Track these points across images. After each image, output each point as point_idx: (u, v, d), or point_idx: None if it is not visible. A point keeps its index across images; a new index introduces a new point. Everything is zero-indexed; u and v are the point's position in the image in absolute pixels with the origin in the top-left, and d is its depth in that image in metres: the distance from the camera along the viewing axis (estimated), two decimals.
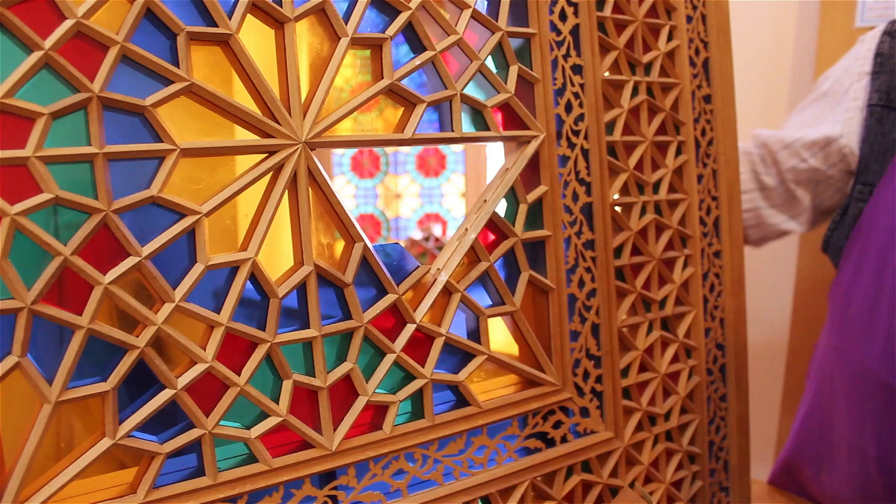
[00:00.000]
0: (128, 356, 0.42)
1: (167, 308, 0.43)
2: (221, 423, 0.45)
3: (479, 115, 0.55)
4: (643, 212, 0.66)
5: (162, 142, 0.42)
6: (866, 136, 0.89)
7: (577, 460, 0.61)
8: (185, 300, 0.43)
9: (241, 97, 0.46)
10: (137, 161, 0.42)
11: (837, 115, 0.92)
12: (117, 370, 0.41)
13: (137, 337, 0.42)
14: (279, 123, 0.46)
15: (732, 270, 0.73)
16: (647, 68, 0.66)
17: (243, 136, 0.46)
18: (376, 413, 0.52)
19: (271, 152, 0.46)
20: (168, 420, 0.44)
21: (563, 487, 0.60)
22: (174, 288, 0.43)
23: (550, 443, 0.60)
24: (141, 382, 0.43)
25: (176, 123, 0.43)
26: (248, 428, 0.46)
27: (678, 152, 0.69)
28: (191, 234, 0.44)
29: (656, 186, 0.67)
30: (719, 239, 0.72)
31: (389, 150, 2.52)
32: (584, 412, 0.62)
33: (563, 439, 0.60)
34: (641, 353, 0.65)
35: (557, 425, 0.60)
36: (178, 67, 0.42)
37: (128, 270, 0.41)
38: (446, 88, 0.53)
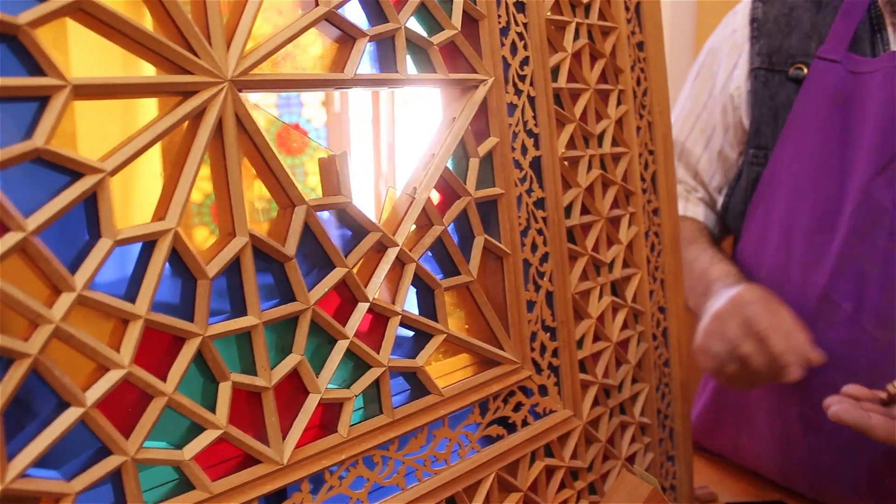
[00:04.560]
0: (15, 368, 0.31)
1: (66, 299, 0.32)
2: (145, 444, 0.35)
3: (423, 54, 0.47)
4: (589, 166, 0.60)
5: (46, 75, 0.31)
6: (754, 102, 0.89)
7: (539, 444, 0.54)
8: (89, 287, 0.33)
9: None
10: (13, 103, 0.31)
11: (717, 101, 0.93)
12: (2, 389, 0.30)
13: (27, 341, 0.31)
14: (198, 56, 0.36)
15: (670, 228, 0.69)
16: (587, 10, 0.60)
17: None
18: (325, 412, 0.44)
19: (190, 92, 0.36)
20: (73, 447, 0.34)
21: (527, 476, 0.53)
22: (73, 272, 0.32)
23: (511, 428, 0.53)
24: (36, 402, 0.32)
25: (65, 55, 0.32)
26: (180, 447, 0.36)
27: (619, 102, 0.63)
28: (91, 199, 0.33)
29: (600, 139, 0.61)
30: (657, 195, 0.68)
31: (318, 125, 2.32)
32: (543, 390, 0.56)
33: (524, 422, 0.54)
34: (595, 321, 0.60)
35: (518, 408, 0.54)
36: None
37: (9, 251, 0.30)
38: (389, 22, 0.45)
